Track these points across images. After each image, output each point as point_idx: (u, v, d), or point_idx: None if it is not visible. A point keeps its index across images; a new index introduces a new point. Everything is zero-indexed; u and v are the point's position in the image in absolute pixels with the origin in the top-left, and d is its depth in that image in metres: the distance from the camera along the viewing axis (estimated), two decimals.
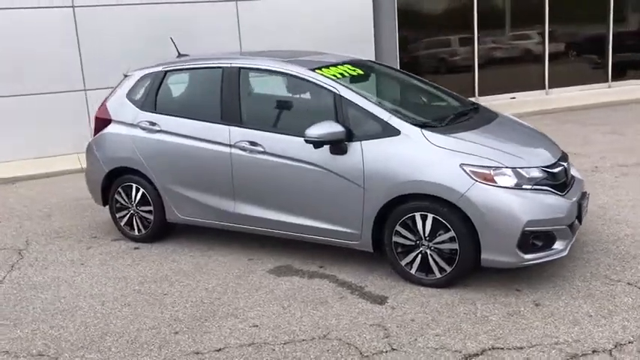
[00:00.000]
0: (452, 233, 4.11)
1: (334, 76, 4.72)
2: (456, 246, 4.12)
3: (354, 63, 5.21)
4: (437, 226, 4.16)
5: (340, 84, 4.57)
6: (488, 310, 3.93)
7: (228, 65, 4.99)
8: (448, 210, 4.10)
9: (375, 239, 4.44)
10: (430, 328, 3.74)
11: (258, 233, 4.96)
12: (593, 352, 3.39)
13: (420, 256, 4.27)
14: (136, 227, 5.49)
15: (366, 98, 4.47)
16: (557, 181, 4.29)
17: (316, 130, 4.31)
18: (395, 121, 4.32)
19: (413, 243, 4.27)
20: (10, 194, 7.66)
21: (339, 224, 4.52)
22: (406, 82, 5.45)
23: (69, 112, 9.41)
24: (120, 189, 5.48)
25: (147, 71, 5.46)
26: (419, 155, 4.19)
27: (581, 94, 13.03)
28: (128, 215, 5.51)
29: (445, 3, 12.43)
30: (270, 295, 4.33)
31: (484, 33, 12.59)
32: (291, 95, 5.10)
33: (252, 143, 4.74)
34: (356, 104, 4.44)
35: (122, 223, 5.57)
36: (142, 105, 5.35)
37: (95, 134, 5.66)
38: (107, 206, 5.74)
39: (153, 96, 5.32)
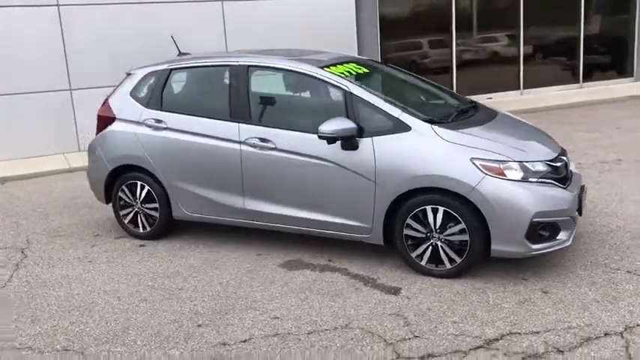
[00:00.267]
0: (462, 225, 4.26)
1: (342, 74, 4.83)
2: (466, 237, 4.28)
3: (358, 61, 5.33)
4: (447, 219, 4.31)
5: (350, 81, 4.68)
6: (500, 298, 4.10)
7: (236, 63, 5.06)
8: (459, 203, 4.25)
9: (385, 232, 4.57)
10: (447, 316, 3.88)
11: (268, 228, 5.03)
12: (605, 335, 3.57)
13: (430, 247, 4.42)
14: (140, 225, 5.51)
15: (376, 95, 4.59)
16: (559, 174, 4.48)
17: (329, 126, 4.42)
18: (406, 117, 4.45)
19: (423, 235, 4.41)
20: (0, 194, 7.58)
21: (349, 218, 4.63)
22: (408, 80, 5.59)
23: (54, 112, 9.29)
24: (124, 187, 5.49)
25: (151, 69, 5.49)
26: (430, 150, 4.33)
27: (555, 94, 13.40)
28: (132, 213, 5.52)
29: (424, 7, 12.67)
30: (286, 288, 4.41)
31: (461, 35, 12.87)
32: (300, 93, 5.20)
33: (263, 140, 4.82)
34: (367, 101, 4.56)
35: (126, 221, 5.58)
36: (147, 103, 5.37)
37: (98, 132, 5.65)
38: (109, 204, 5.74)
39: (158, 94, 5.35)
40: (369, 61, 5.66)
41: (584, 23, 13.91)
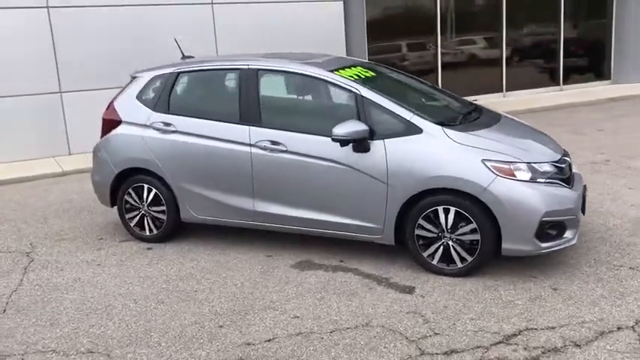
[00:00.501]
0: (473, 225, 4.38)
1: (351, 77, 4.92)
2: (477, 237, 4.40)
3: (364, 65, 5.43)
4: (459, 219, 4.42)
5: (361, 85, 4.77)
6: (512, 296, 4.22)
7: (246, 67, 5.11)
8: (470, 203, 4.37)
9: (396, 233, 4.67)
10: (464, 314, 3.99)
11: (279, 230, 5.09)
12: (618, 328, 3.71)
13: (442, 247, 4.52)
14: (147, 228, 5.52)
15: (387, 98, 4.69)
16: (564, 175, 4.62)
17: (343, 129, 4.50)
18: (417, 120, 4.56)
19: (435, 235, 4.52)
20: None
21: (361, 219, 4.72)
22: (411, 83, 5.70)
23: (44, 115, 9.22)
24: (130, 190, 5.50)
25: (158, 72, 5.51)
26: (442, 152, 4.44)
27: (537, 96, 13.70)
28: (139, 216, 5.53)
29: (410, 11, 12.85)
30: (301, 288, 4.48)
31: (446, 39, 13.09)
32: (310, 96, 5.27)
33: (274, 142, 4.88)
34: (378, 104, 4.65)
35: (132, 224, 5.58)
36: (155, 106, 5.39)
37: (103, 135, 5.65)
38: (113, 207, 5.74)
39: (166, 97, 5.38)
40: (372, 64, 5.76)
41: (564, 27, 14.26)
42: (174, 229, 5.50)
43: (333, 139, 4.54)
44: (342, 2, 11.14)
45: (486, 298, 4.20)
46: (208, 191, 5.19)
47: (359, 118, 4.66)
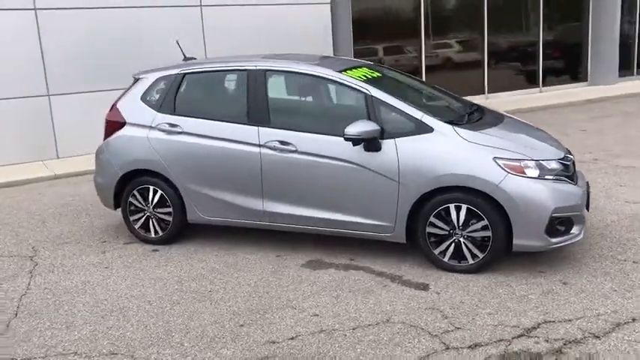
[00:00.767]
0: (485, 222, 4.46)
1: (359, 77, 4.97)
2: (488, 233, 4.48)
3: (369, 66, 5.48)
4: (470, 216, 4.50)
5: (370, 85, 4.82)
6: (525, 290, 4.31)
7: (254, 68, 5.12)
8: (482, 200, 4.45)
9: (407, 231, 4.72)
10: (481, 309, 4.06)
11: (289, 230, 5.11)
12: (633, 320, 3.82)
13: (453, 244, 4.59)
14: (152, 229, 5.49)
15: (397, 98, 4.75)
16: (569, 172, 4.74)
17: (355, 128, 4.55)
18: (428, 119, 4.63)
19: (446, 232, 4.59)
20: None
21: (372, 218, 4.77)
22: (415, 84, 5.77)
23: (32, 118, 9.08)
24: (135, 192, 5.46)
25: (162, 73, 5.49)
26: (454, 150, 4.52)
27: (518, 98, 13.95)
28: (144, 218, 5.49)
29: (395, 15, 12.99)
30: (316, 287, 4.51)
31: (430, 41, 13.26)
32: (319, 96, 5.30)
33: (283, 143, 4.90)
34: (389, 104, 4.71)
35: (137, 226, 5.54)
36: (160, 107, 5.37)
37: (106, 137, 5.60)
38: (117, 210, 5.70)
39: (172, 98, 5.36)
40: (376, 65, 5.81)
41: (543, 31, 14.55)
42: (180, 230, 5.48)
43: (346, 139, 4.58)
44: (329, 4, 11.20)
45: (500, 294, 4.27)
46: (216, 192, 5.18)
47: (369, 118, 4.71)
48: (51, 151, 9.26)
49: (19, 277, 4.93)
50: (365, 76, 5.07)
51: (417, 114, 4.65)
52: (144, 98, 5.47)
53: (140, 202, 5.47)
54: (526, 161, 4.48)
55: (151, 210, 5.44)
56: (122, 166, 5.45)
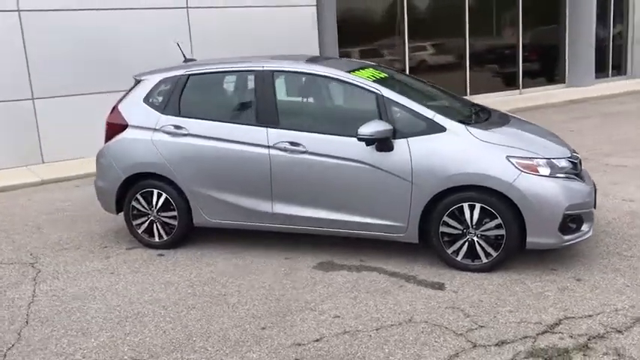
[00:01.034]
0: (499, 220, 4.49)
1: (368, 78, 4.96)
2: (502, 232, 4.50)
3: (375, 67, 5.48)
4: (483, 215, 4.52)
5: (382, 85, 4.82)
6: (541, 287, 4.34)
7: (261, 69, 5.07)
8: (496, 199, 4.48)
9: (419, 231, 4.73)
10: (501, 307, 4.08)
11: (299, 232, 5.07)
12: None
13: (467, 243, 4.61)
14: (156, 234, 5.39)
15: (408, 98, 4.76)
16: (577, 170, 4.80)
17: (369, 128, 4.54)
18: (440, 119, 4.64)
19: (460, 231, 4.61)
20: None
21: (385, 218, 4.76)
22: (419, 84, 5.78)
23: (15, 123, 8.86)
24: (138, 195, 5.36)
25: (166, 75, 5.40)
26: (467, 149, 4.54)
27: (499, 99, 14.12)
28: (147, 222, 5.39)
29: (378, 17, 13.08)
30: (331, 289, 4.47)
31: (414, 44, 13.37)
32: (329, 97, 5.27)
33: (293, 144, 4.86)
34: (400, 104, 4.71)
35: (140, 231, 5.44)
36: (164, 109, 5.28)
37: (107, 140, 5.49)
38: (119, 214, 5.59)
39: (176, 100, 5.28)
40: (380, 66, 5.81)
41: (522, 34, 14.79)
42: (186, 234, 5.40)
43: (359, 139, 4.57)
44: (315, 7, 11.19)
45: (517, 291, 4.30)
46: (224, 194, 5.11)
47: (380, 118, 4.71)
48: (36, 156, 9.05)
49: (23, 285, 4.79)
50: (373, 76, 5.06)
51: (429, 113, 4.66)
52: (147, 100, 5.38)
53: (144, 206, 5.37)
54: (538, 159, 4.52)
55: (155, 214, 5.35)
56: (125, 169, 5.34)
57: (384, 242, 5.08)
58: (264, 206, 5.03)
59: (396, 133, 4.65)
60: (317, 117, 5.18)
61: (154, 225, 5.38)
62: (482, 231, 4.55)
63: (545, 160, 4.55)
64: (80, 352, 3.71)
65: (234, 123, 5.07)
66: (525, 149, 4.56)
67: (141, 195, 5.36)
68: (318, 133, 4.85)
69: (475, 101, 14.31)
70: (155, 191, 5.31)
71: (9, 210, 7.01)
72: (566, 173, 4.61)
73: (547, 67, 15.58)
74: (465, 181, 4.51)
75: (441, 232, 4.65)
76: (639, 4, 16.76)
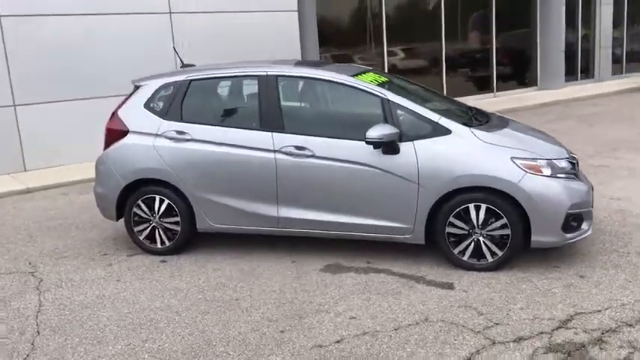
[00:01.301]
0: (504, 220, 4.59)
1: (371, 82, 5.02)
2: (507, 231, 4.61)
3: (374, 72, 5.55)
4: (489, 215, 4.62)
5: (386, 89, 4.89)
6: (547, 285, 4.46)
7: (265, 74, 5.09)
8: (501, 199, 4.58)
9: (426, 232, 4.80)
10: (512, 304, 4.17)
11: (305, 235, 5.09)
12: None
13: (473, 243, 4.70)
14: (158, 240, 5.35)
15: (413, 101, 4.83)
16: (575, 170, 4.95)
17: (376, 132, 4.60)
18: (445, 122, 4.73)
19: (466, 232, 4.70)
20: None
21: (391, 220, 4.82)
22: (418, 89, 5.86)
23: None
24: (140, 202, 5.31)
25: (166, 80, 5.37)
26: (472, 151, 4.63)
27: (475, 102, 14.29)
28: (149, 228, 5.35)
29: (358, 22, 13.22)
30: (343, 291, 4.51)
31: (393, 48, 13.54)
32: (333, 101, 5.31)
33: (299, 148, 4.89)
34: (406, 107, 4.79)
35: (141, 237, 5.39)
36: (166, 114, 5.25)
37: (107, 147, 5.43)
38: (119, 221, 5.53)
39: (178, 105, 5.25)
40: (379, 71, 5.88)
41: (495, 38, 15.09)
42: (189, 239, 5.37)
43: (367, 142, 4.63)
44: (296, 12, 11.24)
45: (524, 289, 4.40)
46: (228, 199, 5.11)
47: (385, 121, 4.77)
48: (18, 164, 8.87)
49: (27, 294, 4.71)
50: (376, 80, 5.13)
51: (434, 117, 4.75)
52: (147, 105, 5.34)
53: (145, 213, 5.33)
54: (540, 160, 4.65)
55: (157, 220, 5.31)
56: (126, 175, 5.29)
57: (388, 244, 5.14)
58: (270, 210, 5.05)
59: (402, 136, 4.72)
60: (322, 121, 5.22)
61: (156, 231, 5.34)
62: (487, 231, 4.65)
63: (546, 161, 4.67)
64: None
65: (238, 128, 5.07)
66: (528, 150, 4.68)
67: (142, 201, 5.31)
68: (324, 137, 4.88)
69: None
70: (157, 197, 5.27)
71: None
72: (566, 173, 4.74)
73: (519, 70, 15.94)
74: (471, 183, 4.61)
75: (448, 233, 4.73)
76: (605, 10, 17.26)
